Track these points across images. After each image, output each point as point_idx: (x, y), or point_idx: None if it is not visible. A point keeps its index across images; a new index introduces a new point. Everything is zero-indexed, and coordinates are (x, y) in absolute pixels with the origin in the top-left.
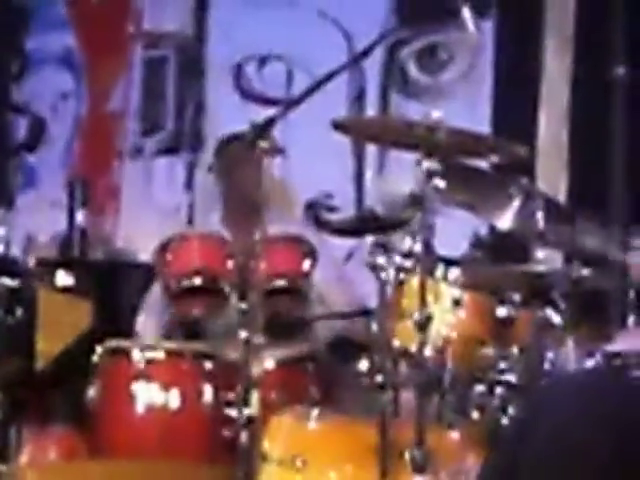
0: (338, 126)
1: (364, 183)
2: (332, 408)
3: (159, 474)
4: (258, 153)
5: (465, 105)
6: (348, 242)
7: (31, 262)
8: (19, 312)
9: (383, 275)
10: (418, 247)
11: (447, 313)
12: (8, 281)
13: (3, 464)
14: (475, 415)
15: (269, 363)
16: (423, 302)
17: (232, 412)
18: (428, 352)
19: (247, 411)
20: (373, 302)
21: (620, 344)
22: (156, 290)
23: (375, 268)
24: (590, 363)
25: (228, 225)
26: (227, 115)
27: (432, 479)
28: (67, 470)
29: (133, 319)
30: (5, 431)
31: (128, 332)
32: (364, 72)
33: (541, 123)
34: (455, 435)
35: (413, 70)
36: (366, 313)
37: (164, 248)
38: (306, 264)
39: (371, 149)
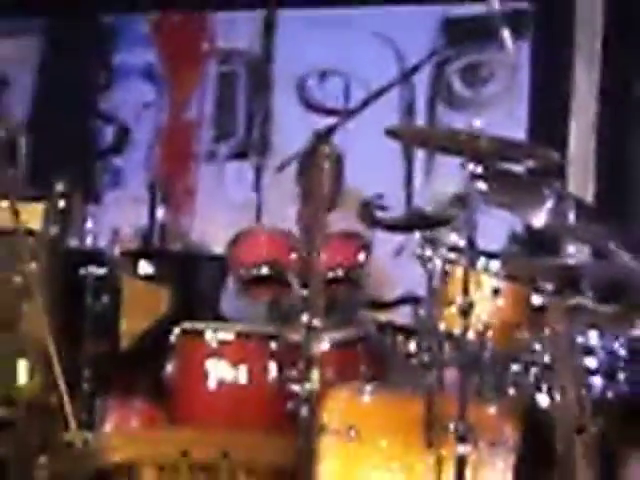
0: (391, 133)
1: (413, 185)
2: (384, 384)
3: (228, 442)
4: (319, 158)
5: (504, 116)
6: (398, 237)
7: (116, 253)
8: (105, 297)
9: (430, 266)
10: (462, 242)
11: (487, 301)
12: (96, 270)
13: (89, 432)
14: (511, 391)
15: (325, 344)
16: (466, 291)
17: (294, 387)
18: (470, 335)
19: (307, 386)
20: (421, 290)
21: None
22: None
23: (424, 260)
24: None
25: (301, 221)
26: (291, 124)
27: (472, 449)
28: (146, 437)
29: (206, 303)
30: (92, 403)
31: (202, 315)
32: (414, 86)
33: (571, 133)
34: (493, 409)
35: (457, 85)
36: (415, 300)
37: (235, 241)
38: (361, 256)
39: (420, 154)
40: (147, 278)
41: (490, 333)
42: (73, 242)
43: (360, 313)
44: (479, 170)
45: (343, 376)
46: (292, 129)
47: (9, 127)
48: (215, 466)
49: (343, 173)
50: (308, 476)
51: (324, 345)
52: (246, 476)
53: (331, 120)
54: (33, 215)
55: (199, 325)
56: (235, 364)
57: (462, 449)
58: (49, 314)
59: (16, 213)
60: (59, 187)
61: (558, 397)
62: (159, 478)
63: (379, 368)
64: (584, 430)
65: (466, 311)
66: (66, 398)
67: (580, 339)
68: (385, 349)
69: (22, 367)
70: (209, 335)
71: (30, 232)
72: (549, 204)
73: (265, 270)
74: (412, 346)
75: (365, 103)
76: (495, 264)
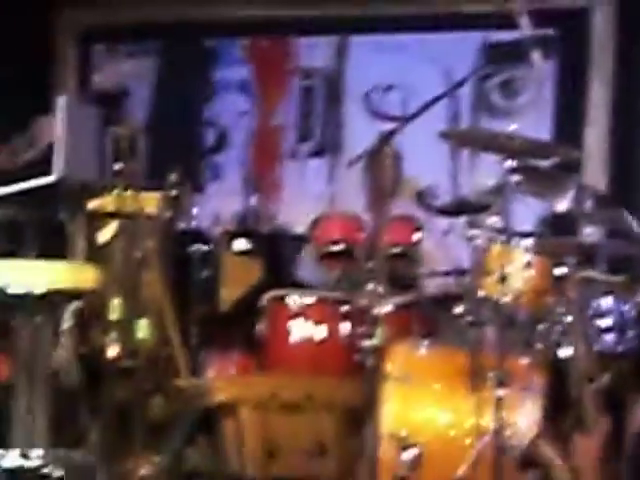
0: (443, 135)
1: (459, 177)
2: (436, 340)
3: (310, 386)
4: (383, 155)
5: (533, 122)
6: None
7: (217, 233)
8: (208, 270)
9: (474, 244)
10: (499, 224)
11: (520, 272)
12: (200, 247)
13: (196, 378)
14: (539, 346)
15: (387, 308)
16: (502, 264)
17: (362, 342)
18: (505, 300)
19: (373, 342)
20: (465, 264)
21: None
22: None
23: (469, 239)
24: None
25: (369, 208)
26: (358, 129)
27: (508, 392)
28: (243, 381)
29: (289, 274)
30: (197, 355)
31: (286, 283)
32: (459, 98)
33: (588, 136)
34: (524, 361)
35: (495, 97)
36: (460, 272)
37: (314, 224)
38: (416, 236)
39: (464, 152)
40: (242, 254)
41: (522, 298)
42: (182, 224)
43: (416, 282)
44: (513, 165)
45: (402, 333)
46: (359, 133)
47: (130, 129)
48: (299, 405)
49: (401, 168)
50: (374, 414)
51: (386, 308)
52: (325, 414)
53: (391, 125)
54: (151, 202)
55: (285, 292)
56: (315, 323)
57: (499, 393)
58: (163, 283)
59: (138, 200)
60: (171, 179)
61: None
62: (253, 415)
63: (432, 327)
64: (594, 379)
65: (503, 280)
66: (178, 351)
67: (595, 304)
68: (436, 312)
69: (143, 325)
70: (293, 300)
71: (148, 216)
72: (570, 193)
73: (338, 247)
74: (458, 309)
75: (419, 112)
76: (527, 242)
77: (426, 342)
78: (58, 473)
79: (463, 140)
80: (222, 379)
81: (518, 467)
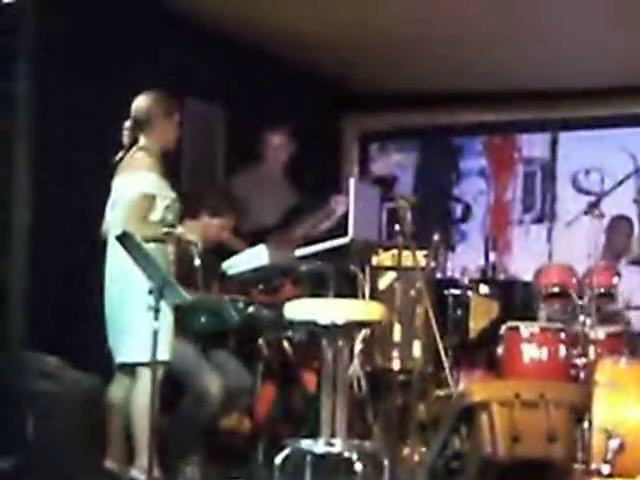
0: (637, 202)
1: None
2: (633, 357)
3: (541, 388)
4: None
5: None
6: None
7: (466, 281)
8: (459, 308)
9: None
10: None
11: None
12: (454, 291)
13: (452, 388)
14: None
15: (601, 334)
16: None
17: (576, 360)
18: None
19: (585, 360)
20: None
21: None
22: None
23: None
24: None
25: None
26: (568, 201)
27: None
28: (492, 385)
29: (520, 310)
30: (452, 373)
31: (518, 317)
32: None
33: None
34: None
35: None
36: None
37: (538, 272)
38: (615, 279)
39: None
40: (485, 296)
41: None
42: (440, 274)
43: (616, 314)
44: None
45: (609, 352)
46: (569, 205)
47: (400, 204)
48: (536, 403)
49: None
50: (589, 412)
51: (597, 334)
52: (555, 410)
53: (593, 198)
54: (418, 257)
55: (517, 323)
56: (539, 346)
57: None
58: (430, 316)
59: (410, 256)
60: (434, 240)
61: None
62: (501, 410)
63: (632, 347)
64: None
65: None
66: (446, 367)
67: None
68: (634, 337)
69: (416, 346)
70: (523, 329)
71: (420, 267)
72: None
73: (556, 289)
74: None
75: (614, 187)
76: None
77: (626, 358)
78: (354, 457)
79: None
80: (478, 385)
81: None
